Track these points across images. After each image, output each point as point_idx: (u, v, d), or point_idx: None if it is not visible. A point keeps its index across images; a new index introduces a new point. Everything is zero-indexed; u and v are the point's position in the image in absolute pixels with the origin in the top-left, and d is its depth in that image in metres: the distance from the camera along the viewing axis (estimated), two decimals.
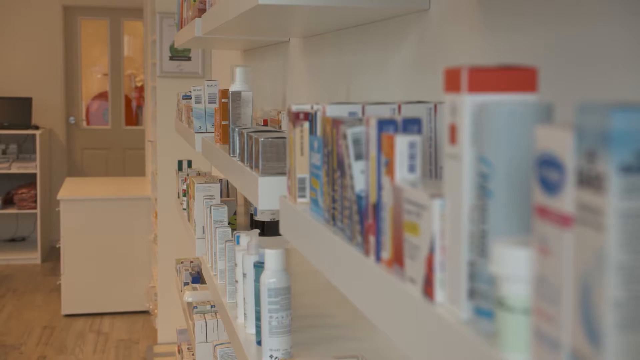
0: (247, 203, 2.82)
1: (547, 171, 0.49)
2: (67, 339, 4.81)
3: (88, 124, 7.62)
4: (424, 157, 1.06)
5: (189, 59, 4.60)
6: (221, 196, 2.78)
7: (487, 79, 0.59)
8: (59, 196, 5.20)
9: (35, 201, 6.59)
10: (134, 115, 7.81)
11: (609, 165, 0.42)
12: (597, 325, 0.43)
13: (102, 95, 7.71)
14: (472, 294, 0.61)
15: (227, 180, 2.86)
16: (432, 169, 1.07)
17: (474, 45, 1.15)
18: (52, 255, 6.68)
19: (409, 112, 1.08)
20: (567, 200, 0.47)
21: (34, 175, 6.62)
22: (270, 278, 1.48)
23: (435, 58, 1.30)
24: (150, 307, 4.94)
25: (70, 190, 5.43)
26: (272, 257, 1.49)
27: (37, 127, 6.71)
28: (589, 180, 0.44)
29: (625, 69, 0.79)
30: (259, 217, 2.56)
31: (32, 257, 6.59)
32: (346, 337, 1.62)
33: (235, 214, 2.71)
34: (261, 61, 2.99)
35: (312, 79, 2.15)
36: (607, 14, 0.81)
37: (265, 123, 2.33)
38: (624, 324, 0.42)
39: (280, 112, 2.21)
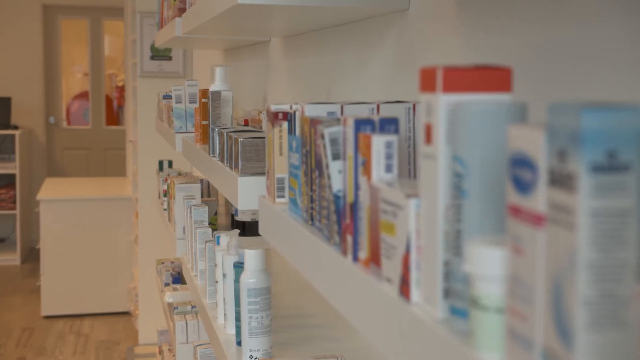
0: (228, 203, 2.82)
1: (520, 171, 0.50)
2: (46, 340, 4.77)
3: (69, 123, 7.56)
4: (403, 157, 1.06)
5: (169, 58, 4.58)
6: (202, 196, 2.77)
7: (462, 79, 0.59)
8: (39, 197, 5.16)
9: (15, 202, 6.53)
10: (115, 115, 7.76)
11: (579, 164, 0.42)
12: (568, 324, 0.43)
13: (83, 95, 7.66)
14: (448, 293, 0.61)
15: (208, 181, 2.85)
16: (411, 168, 1.07)
17: (453, 45, 1.16)
18: (31, 256, 6.62)
19: (387, 112, 1.08)
20: (540, 199, 0.47)
21: (13, 175, 6.56)
22: (250, 278, 1.48)
23: (415, 58, 1.30)
24: (131, 308, 4.91)
25: (50, 190, 5.38)
26: (251, 257, 1.49)
27: (16, 127, 6.65)
28: (561, 180, 0.45)
29: (601, 69, 0.79)
30: (239, 218, 2.55)
31: (12, 258, 6.53)
32: (326, 337, 1.62)
33: (216, 214, 2.70)
34: (242, 61, 2.98)
35: (293, 78, 2.15)
36: (584, 14, 0.82)
37: (246, 123, 2.33)
38: (594, 322, 0.42)
39: (261, 112, 2.20)
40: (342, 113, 1.08)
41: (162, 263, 3.26)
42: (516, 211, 0.50)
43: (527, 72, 0.93)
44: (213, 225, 2.63)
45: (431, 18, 1.24)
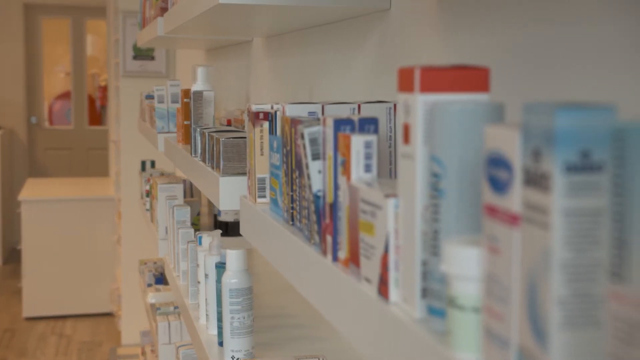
0: (211, 203, 2.81)
1: (496, 170, 0.50)
2: (28, 342, 4.73)
3: (51, 123, 7.51)
4: (384, 157, 1.06)
5: (152, 58, 4.56)
6: (185, 196, 2.76)
7: (439, 79, 0.59)
8: (20, 197, 5.11)
9: None
10: (98, 115, 7.71)
11: (553, 164, 0.43)
12: (543, 323, 0.44)
13: (66, 95, 7.61)
14: (426, 293, 0.61)
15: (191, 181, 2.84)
16: (392, 168, 1.07)
17: (435, 45, 1.16)
18: (13, 257, 6.57)
19: (368, 112, 1.08)
20: (516, 199, 0.48)
21: None
22: (232, 278, 1.48)
23: (397, 58, 1.30)
24: (114, 309, 4.89)
25: (32, 191, 5.34)
26: (233, 257, 1.48)
27: None
28: (535, 180, 0.45)
29: (579, 69, 0.80)
30: (222, 218, 2.55)
31: None
32: (308, 338, 1.62)
33: (199, 214, 2.69)
34: (225, 61, 2.97)
35: (276, 78, 2.14)
36: (563, 15, 0.82)
37: (229, 123, 2.32)
38: (568, 322, 0.42)
39: (243, 112, 2.19)
40: (322, 113, 1.08)
41: (145, 264, 3.24)
42: (492, 211, 0.50)
43: (507, 72, 0.93)
44: (196, 225, 2.62)
45: (413, 18, 1.24)
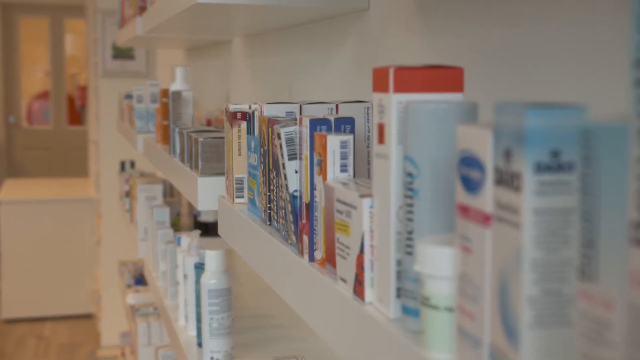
0: (191, 204, 2.79)
1: (469, 170, 0.50)
2: (6, 344, 4.68)
3: (31, 123, 7.44)
4: (362, 157, 1.06)
5: (132, 58, 4.53)
6: (165, 197, 2.75)
7: (413, 78, 0.59)
8: None
9: None
10: (78, 115, 7.65)
11: (524, 164, 0.43)
12: (514, 322, 0.44)
13: (45, 95, 7.54)
14: (400, 292, 0.61)
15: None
16: (370, 168, 1.07)
17: (413, 46, 1.16)
18: None
19: (346, 111, 1.08)
20: (488, 199, 0.48)
21: None
22: (211, 279, 1.47)
23: (376, 57, 1.30)
24: (94, 310, 4.85)
25: (10, 191, 5.29)
26: (212, 258, 1.48)
27: None
28: (506, 179, 0.45)
29: (555, 69, 0.80)
30: (202, 218, 2.54)
31: None
32: (288, 338, 1.62)
33: (179, 215, 2.68)
34: (205, 60, 2.96)
35: (256, 78, 2.14)
36: (542, 15, 0.83)
37: (209, 123, 2.31)
38: (538, 320, 0.43)
39: (223, 112, 2.19)
40: (300, 113, 1.07)
41: (125, 265, 3.22)
42: (465, 211, 0.50)
43: (484, 72, 0.93)
44: (176, 226, 2.61)
45: (391, 18, 1.24)
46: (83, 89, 7.56)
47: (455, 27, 1.02)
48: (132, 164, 3.17)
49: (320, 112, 1.08)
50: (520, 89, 0.86)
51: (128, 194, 2.82)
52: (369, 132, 1.09)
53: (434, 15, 1.09)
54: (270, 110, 1.06)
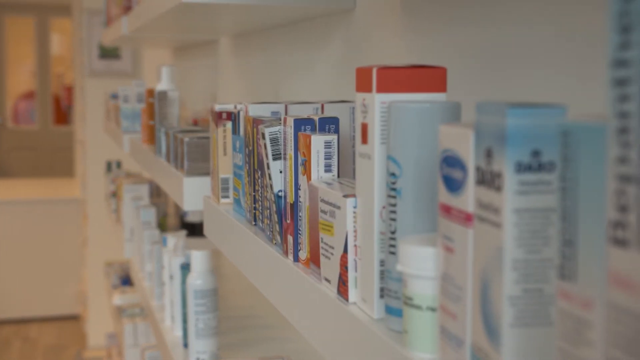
0: (178, 204, 2.78)
1: (451, 170, 0.50)
2: None
3: (17, 123, 7.39)
4: (347, 156, 1.06)
5: (118, 57, 4.51)
6: (151, 197, 2.73)
7: (396, 78, 0.59)
8: None
9: None
10: (64, 115, 7.61)
11: (505, 164, 0.43)
12: (495, 321, 0.44)
13: (31, 95, 7.50)
14: (384, 292, 0.61)
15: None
16: (355, 167, 1.07)
17: (399, 45, 1.16)
18: None
19: (332, 111, 1.08)
20: (470, 199, 0.48)
21: None
22: (197, 280, 1.47)
23: (362, 57, 1.30)
24: (80, 311, 4.82)
25: None
26: (198, 258, 1.47)
27: None
28: (488, 179, 0.45)
29: (540, 70, 0.80)
30: (189, 218, 2.53)
31: None
32: (274, 338, 1.62)
33: (165, 215, 2.67)
34: (192, 60, 2.95)
35: (243, 78, 2.13)
36: (525, 16, 0.83)
37: (195, 123, 2.31)
38: (519, 320, 0.43)
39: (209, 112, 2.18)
40: (286, 113, 1.07)
41: (111, 265, 3.21)
42: (447, 210, 0.50)
43: (469, 72, 0.93)
44: (162, 226, 2.60)
45: (377, 18, 1.24)
46: (69, 89, 7.52)
47: (441, 28, 1.02)
48: (119, 164, 3.16)
49: (306, 112, 1.07)
50: (505, 89, 0.86)
51: (114, 195, 2.80)
52: (354, 132, 1.09)
53: (420, 15, 1.09)
54: (256, 110, 1.05)
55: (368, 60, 1.28)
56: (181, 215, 2.62)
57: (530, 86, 0.81)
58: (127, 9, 2.10)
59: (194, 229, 2.50)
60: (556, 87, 0.76)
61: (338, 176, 0.77)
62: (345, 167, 1.05)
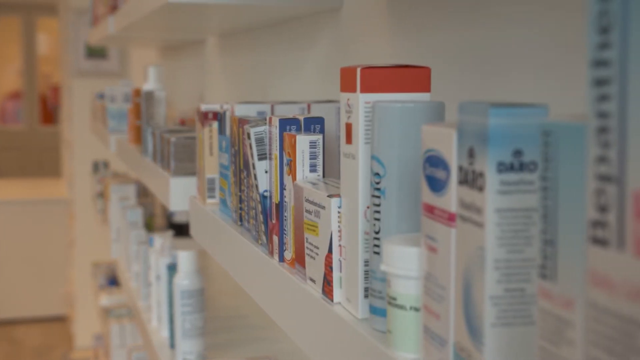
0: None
1: (434, 170, 0.50)
2: None
3: (3, 123, 7.35)
4: (333, 156, 1.06)
5: (106, 57, 4.49)
6: (139, 197, 2.72)
7: (380, 78, 0.59)
8: None
9: None
10: (51, 114, 7.57)
11: (487, 164, 0.43)
12: (477, 321, 0.44)
13: (18, 94, 7.45)
14: (368, 292, 0.61)
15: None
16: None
17: (385, 45, 1.16)
18: None
19: (318, 111, 1.08)
20: (453, 198, 0.48)
21: None
22: (183, 280, 1.46)
23: (349, 57, 1.30)
24: (67, 312, 4.80)
25: None
26: (184, 258, 1.47)
27: None
28: (470, 179, 0.45)
29: (527, 70, 0.81)
30: (176, 219, 2.52)
31: None
32: (261, 339, 1.61)
33: (153, 215, 2.66)
34: (179, 60, 2.95)
35: (230, 78, 2.13)
36: (510, 17, 0.83)
37: (183, 123, 2.30)
38: (501, 319, 0.43)
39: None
40: (272, 113, 1.07)
41: (98, 266, 3.19)
42: (430, 210, 0.50)
43: (456, 72, 0.94)
44: (150, 226, 2.59)
45: (364, 17, 1.24)
46: (56, 89, 7.48)
47: (427, 28, 1.02)
48: (105, 165, 3.15)
49: (293, 111, 1.07)
50: (490, 89, 0.86)
51: (101, 195, 2.79)
52: (339, 131, 1.09)
53: (406, 15, 1.09)
54: (242, 110, 1.05)
55: (355, 60, 1.28)
56: (168, 215, 2.61)
57: (515, 87, 0.82)
58: (114, 8, 2.09)
59: (181, 230, 2.49)
60: (540, 88, 0.76)
61: (324, 176, 0.77)
62: (332, 167, 1.05)
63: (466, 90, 0.91)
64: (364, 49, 1.24)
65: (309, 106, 1.09)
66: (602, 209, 0.33)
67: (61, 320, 5.06)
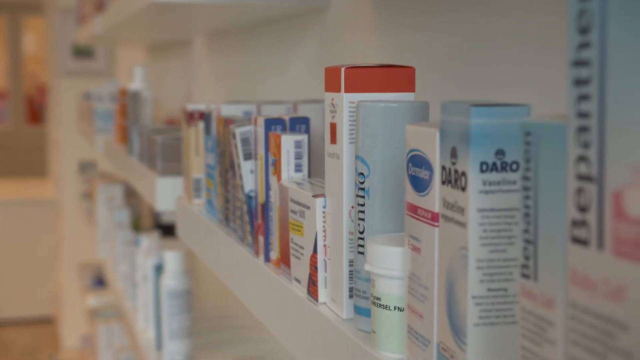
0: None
1: (417, 170, 0.50)
2: None
3: None
4: (319, 156, 1.06)
5: (93, 56, 4.47)
6: (126, 198, 2.71)
7: (364, 78, 0.59)
8: None
9: None
10: (37, 114, 7.53)
11: (469, 163, 0.43)
12: (461, 320, 0.44)
13: (4, 94, 7.40)
14: (353, 292, 0.61)
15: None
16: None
17: (372, 45, 1.16)
18: None
19: (304, 111, 1.08)
20: (436, 198, 0.48)
21: None
22: (170, 280, 1.46)
23: (336, 56, 1.30)
24: (54, 313, 4.77)
25: None
26: (171, 259, 1.46)
27: None
28: (453, 179, 0.45)
29: (516, 71, 0.81)
30: (164, 219, 2.51)
31: None
32: (249, 339, 1.61)
33: (140, 215, 2.65)
34: (167, 60, 2.94)
35: (218, 78, 2.12)
36: (494, 18, 0.83)
37: (171, 123, 2.29)
38: (483, 319, 0.43)
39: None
40: (259, 112, 1.07)
41: (85, 266, 3.18)
42: (414, 210, 0.50)
43: (441, 72, 0.94)
44: (137, 227, 2.58)
45: (350, 17, 1.24)
46: (43, 89, 7.44)
47: (413, 29, 1.02)
48: (92, 165, 3.13)
49: (279, 111, 1.07)
50: (475, 89, 0.87)
51: (88, 195, 2.78)
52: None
53: (392, 16, 1.09)
54: (228, 110, 1.05)
55: (341, 60, 1.28)
56: (156, 215, 2.60)
57: (499, 87, 0.82)
58: (100, 7, 2.08)
59: (169, 230, 2.48)
60: (524, 88, 0.77)
61: (309, 176, 0.77)
62: (317, 167, 1.05)
63: (451, 90, 0.91)
64: (351, 49, 1.24)
65: (295, 106, 1.09)
66: (582, 208, 0.33)
67: (48, 321, 5.03)
